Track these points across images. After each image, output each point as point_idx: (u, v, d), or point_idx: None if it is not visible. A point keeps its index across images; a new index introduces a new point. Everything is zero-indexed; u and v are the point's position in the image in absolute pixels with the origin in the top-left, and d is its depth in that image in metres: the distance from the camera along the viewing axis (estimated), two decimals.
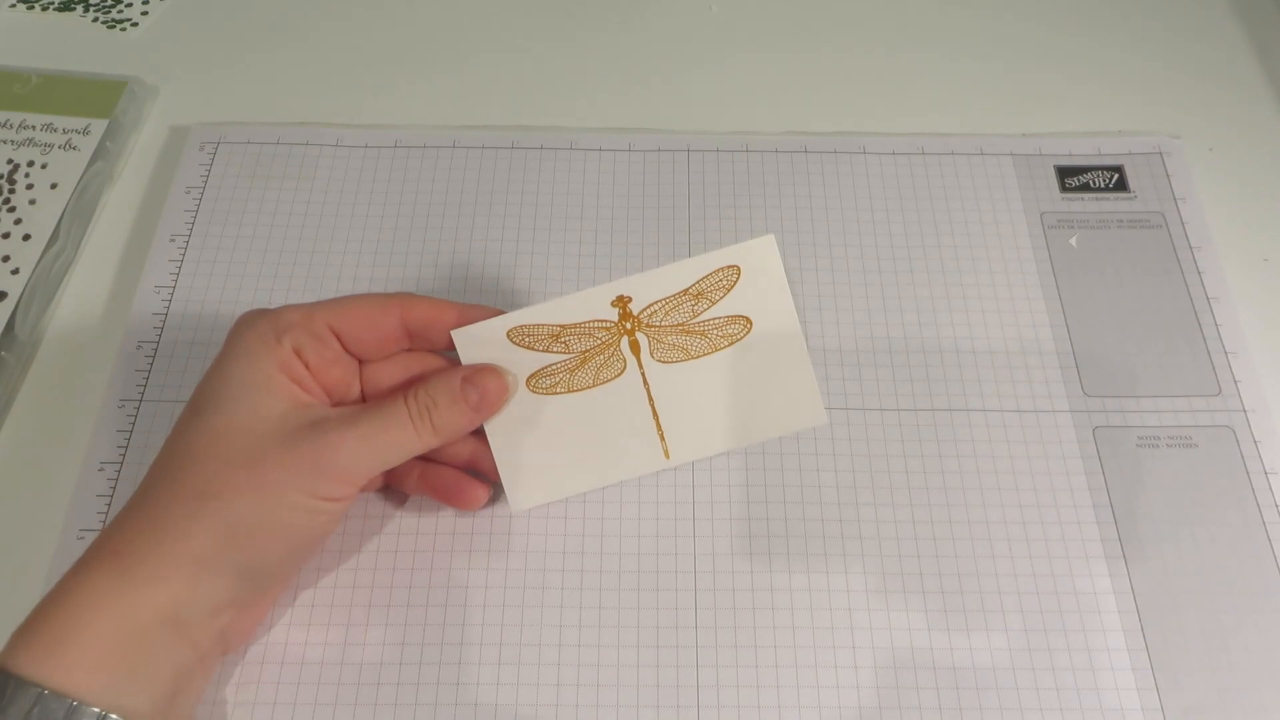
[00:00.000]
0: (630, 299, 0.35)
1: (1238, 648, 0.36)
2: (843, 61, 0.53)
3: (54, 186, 0.46)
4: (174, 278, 0.44)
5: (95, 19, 0.54)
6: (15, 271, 0.43)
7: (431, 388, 0.34)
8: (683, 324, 0.35)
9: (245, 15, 0.55)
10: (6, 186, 0.46)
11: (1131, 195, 0.47)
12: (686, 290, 0.35)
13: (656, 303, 0.35)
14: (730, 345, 0.35)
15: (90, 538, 0.37)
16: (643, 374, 0.35)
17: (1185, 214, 0.46)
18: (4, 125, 0.48)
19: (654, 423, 0.35)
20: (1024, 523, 0.38)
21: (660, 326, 0.35)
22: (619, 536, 0.38)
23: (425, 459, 0.37)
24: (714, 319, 0.35)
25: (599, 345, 0.35)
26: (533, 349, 0.35)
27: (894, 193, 0.47)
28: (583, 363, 0.35)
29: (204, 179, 0.47)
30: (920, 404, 0.41)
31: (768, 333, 0.35)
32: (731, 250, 0.35)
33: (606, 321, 0.35)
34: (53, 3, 0.54)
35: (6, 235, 0.44)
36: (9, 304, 0.42)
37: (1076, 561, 0.38)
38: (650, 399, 0.35)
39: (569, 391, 0.35)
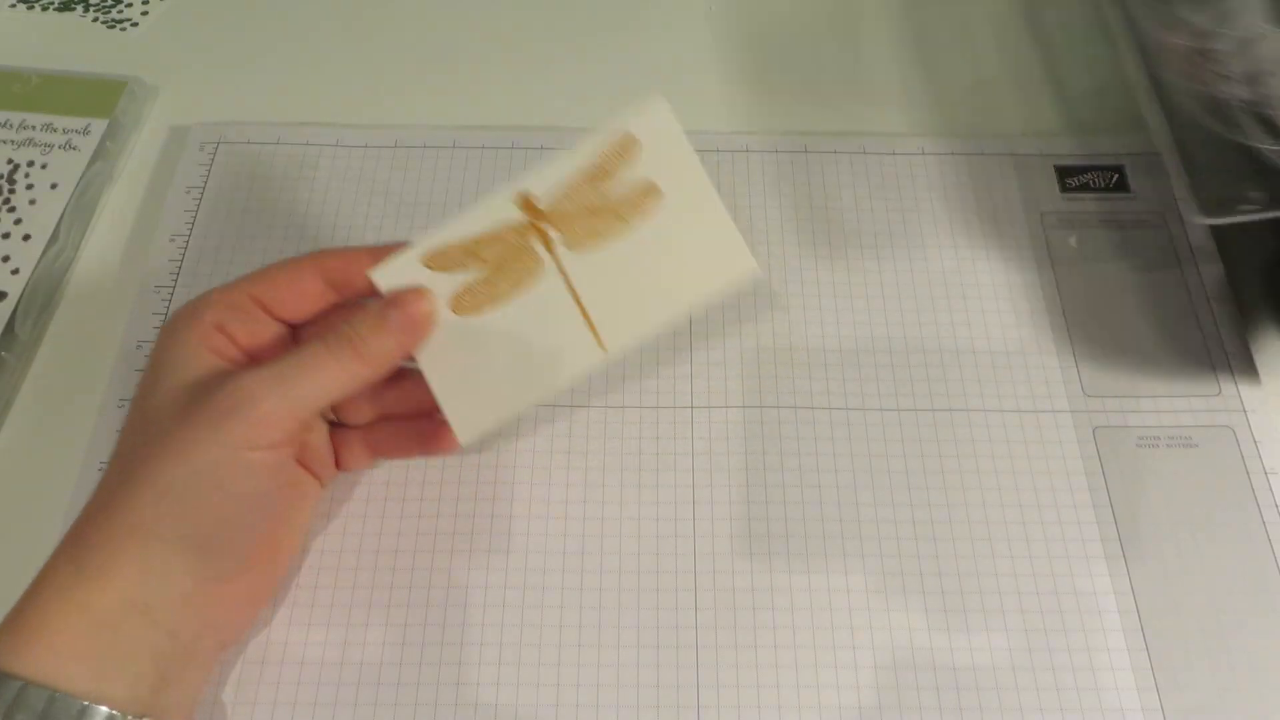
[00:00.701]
0: (532, 195, 0.34)
1: (1238, 648, 0.36)
2: (844, 61, 0.53)
3: (54, 186, 0.46)
4: (174, 278, 0.44)
5: (95, 19, 0.54)
6: (15, 271, 0.43)
7: (353, 319, 0.33)
8: (590, 206, 0.34)
9: (245, 15, 0.55)
10: (6, 186, 0.46)
11: (1131, 195, 0.47)
12: (586, 171, 0.34)
13: (560, 192, 0.34)
14: (643, 217, 0.34)
15: None
16: (560, 268, 0.34)
17: (1185, 213, 0.46)
18: (4, 125, 0.48)
19: (581, 316, 0.34)
20: (1024, 523, 0.38)
21: (569, 214, 0.34)
22: (619, 536, 0.38)
23: (390, 416, 0.37)
24: (622, 195, 0.34)
25: (512, 250, 0.34)
26: (450, 270, 0.34)
27: (894, 193, 0.47)
28: (499, 272, 0.34)
29: (204, 179, 0.47)
30: (920, 404, 0.41)
31: (679, 196, 0.34)
32: (622, 118, 0.34)
33: (515, 223, 0.34)
34: (53, 3, 0.54)
35: (6, 235, 0.44)
36: (9, 304, 0.42)
37: (1076, 561, 0.38)
38: (573, 291, 0.34)
39: (493, 304, 0.34)
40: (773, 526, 0.38)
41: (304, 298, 0.35)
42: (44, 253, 0.44)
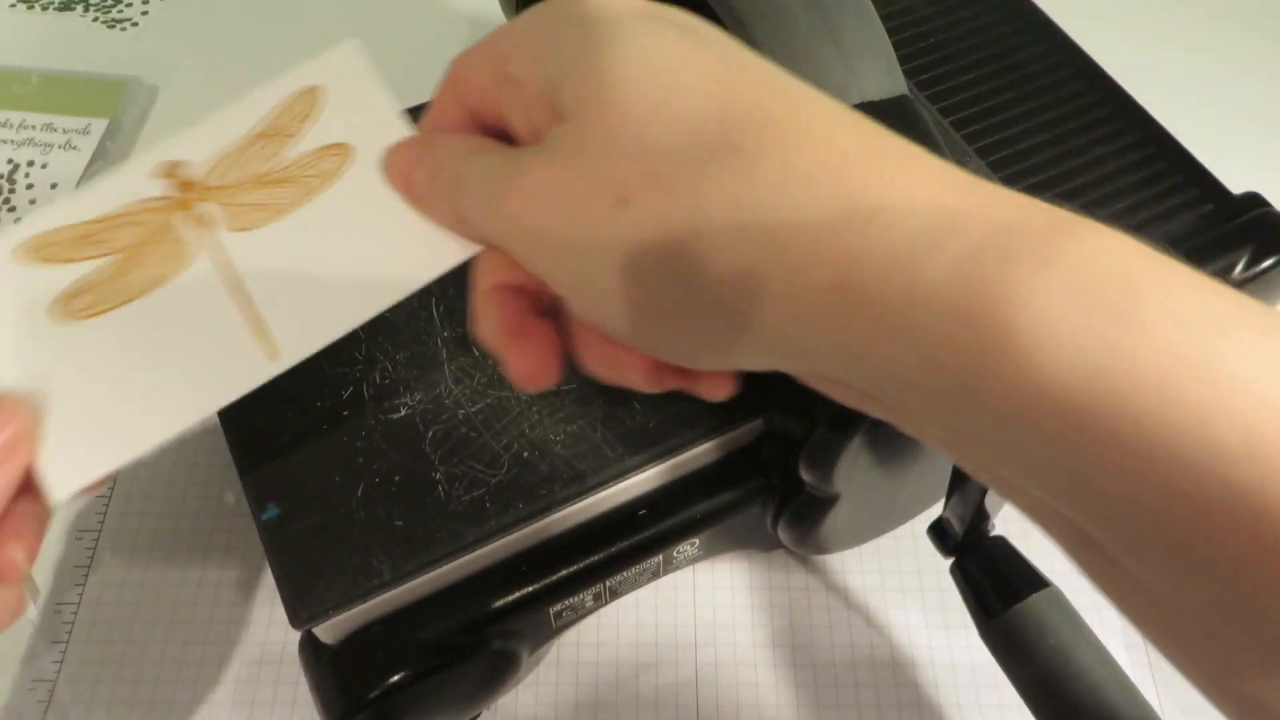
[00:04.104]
0: (182, 164, 0.25)
1: None
2: None
3: (54, 186, 0.46)
4: None
5: (95, 19, 0.54)
6: None
7: None
8: (260, 175, 0.25)
9: (245, 15, 0.55)
10: (6, 186, 0.46)
11: None
12: (255, 133, 0.26)
13: (220, 160, 0.26)
14: (328, 184, 0.25)
15: (89, 539, 0.37)
16: (220, 254, 0.25)
17: None
18: (4, 125, 0.48)
19: (245, 313, 0.24)
20: (1023, 519, 0.38)
21: (232, 186, 0.25)
22: None
23: None
24: (299, 158, 0.25)
25: (150, 232, 0.25)
26: (54, 262, 0.25)
27: None
28: (131, 261, 0.25)
29: None
30: None
31: (376, 156, 0.25)
32: (301, 71, 0.27)
33: (156, 201, 0.25)
34: (53, 3, 0.55)
35: None
36: None
37: None
38: (234, 281, 0.25)
39: (120, 305, 0.24)
40: None
41: None
42: None
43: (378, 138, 0.25)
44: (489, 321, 0.23)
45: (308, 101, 0.26)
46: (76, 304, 0.24)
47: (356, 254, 0.25)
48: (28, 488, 0.23)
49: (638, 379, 0.22)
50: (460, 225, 0.23)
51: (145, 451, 0.23)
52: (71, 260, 0.25)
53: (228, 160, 0.26)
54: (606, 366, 0.22)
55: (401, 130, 0.26)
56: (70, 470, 0.23)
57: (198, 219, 0.25)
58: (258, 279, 0.25)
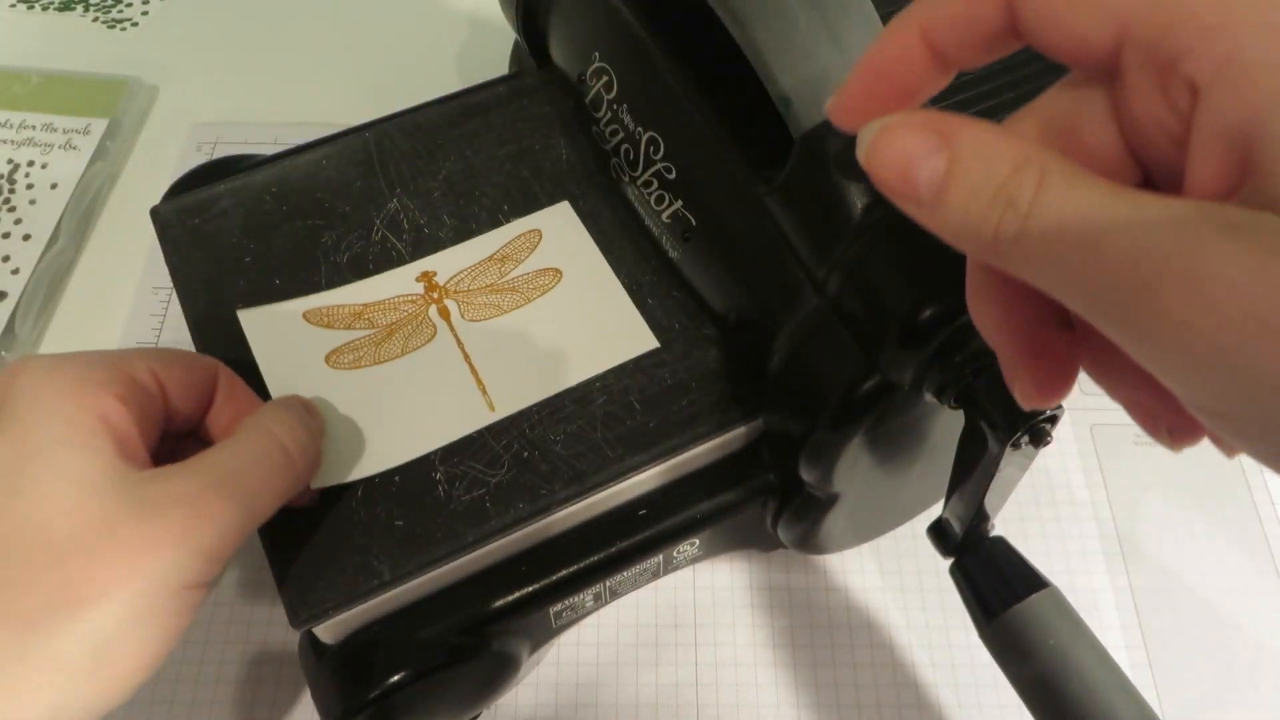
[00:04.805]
0: (435, 273, 0.34)
1: (1237, 645, 0.36)
2: None
3: (54, 186, 0.46)
4: None
5: (95, 19, 0.54)
6: (15, 271, 0.43)
7: (284, 420, 0.27)
8: (491, 284, 0.34)
9: (245, 15, 0.55)
10: (6, 186, 0.46)
11: None
12: (491, 256, 0.34)
13: (462, 272, 0.34)
14: (543, 295, 0.34)
15: None
16: (455, 335, 0.33)
17: None
18: (4, 125, 0.48)
19: (473, 378, 0.32)
20: (1022, 519, 0.38)
21: (469, 290, 0.34)
22: None
23: None
24: (523, 275, 0.34)
25: (406, 317, 0.33)
26: (332, 328, 0.33)
27: None
28: (389, 335, 0.33)
29: None
30: None
31: (580, 279, 0.34)
32: (530, 218, 0.35)
33: (412, 295, 0.33)
34: (53, 3, 0.55)
35: (6, 235, 0.44)
36: (9, 304, 0.42)
37: (1075, 559, 0.38)
38: (466, 355, 0.32)
39: (375, 364, 0.32)
40: None
41: (199, 399, 0.28)
42: (44, 253, 0.44)
43: (582, 268, 0.34)
44: (989, 317, 0.18)
45: (533, 239, 0.35)
46: (345, 358, 0.32)
47: (557, 343, 0.33)
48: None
49: (1165, 440, 0.18)
50: (985, 251, 0.16)
51: (385, 469, 0.30)
52: (347, 328, 0.33)
53: (466, 273, 0.34)
54: (1138, 411, 0.18)
55: (601, 264, 0.34)
56: (327, 470, 0.30)
57: (441, 310, 0.33)
58: (482, 354, 0.32)
